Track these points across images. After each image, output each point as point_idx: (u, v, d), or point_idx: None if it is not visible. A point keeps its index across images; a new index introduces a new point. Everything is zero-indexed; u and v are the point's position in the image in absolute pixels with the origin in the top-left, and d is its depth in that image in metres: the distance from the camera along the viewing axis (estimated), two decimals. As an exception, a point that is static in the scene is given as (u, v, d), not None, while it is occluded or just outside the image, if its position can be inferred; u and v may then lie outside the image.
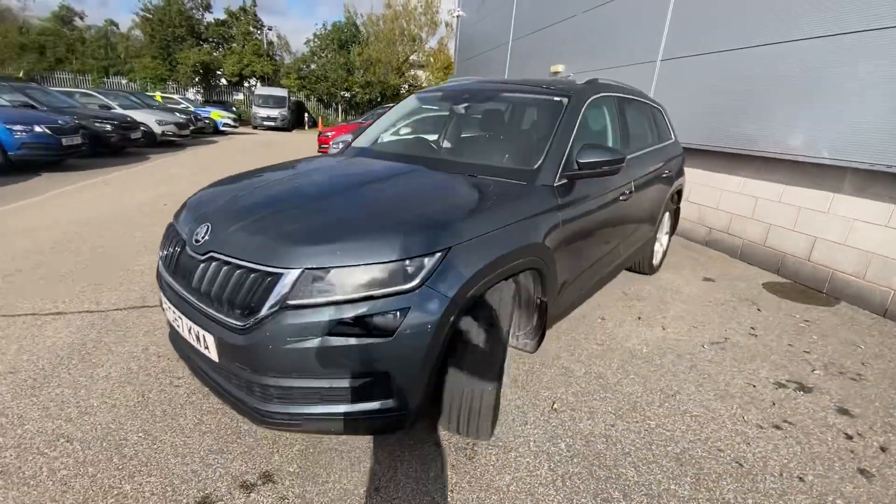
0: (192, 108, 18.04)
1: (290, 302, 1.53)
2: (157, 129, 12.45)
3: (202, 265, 1.72)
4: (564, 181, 2.34)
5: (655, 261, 4.33)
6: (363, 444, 2.02)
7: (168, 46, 26.56)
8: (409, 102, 3.35)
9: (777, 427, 2.30)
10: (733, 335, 3.27)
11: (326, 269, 1.54)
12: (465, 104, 3.11)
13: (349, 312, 1.52)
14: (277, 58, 30.05)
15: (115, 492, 1.72)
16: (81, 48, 26.55)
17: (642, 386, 2.59)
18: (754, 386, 2.66)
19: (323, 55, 28.40)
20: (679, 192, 4.48)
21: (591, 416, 2.30)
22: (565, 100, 2.66)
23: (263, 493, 1.75)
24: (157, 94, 18.92)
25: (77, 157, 8.95)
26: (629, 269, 4.25)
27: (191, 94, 28.21)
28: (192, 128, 14.91)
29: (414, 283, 1.57)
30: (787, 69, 4.38)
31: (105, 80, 26.64)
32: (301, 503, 1.72)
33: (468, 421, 1.82)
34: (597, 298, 3.72)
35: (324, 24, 29.83)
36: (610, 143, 3.07)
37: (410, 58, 30.53)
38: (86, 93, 12.64)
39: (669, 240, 4.61)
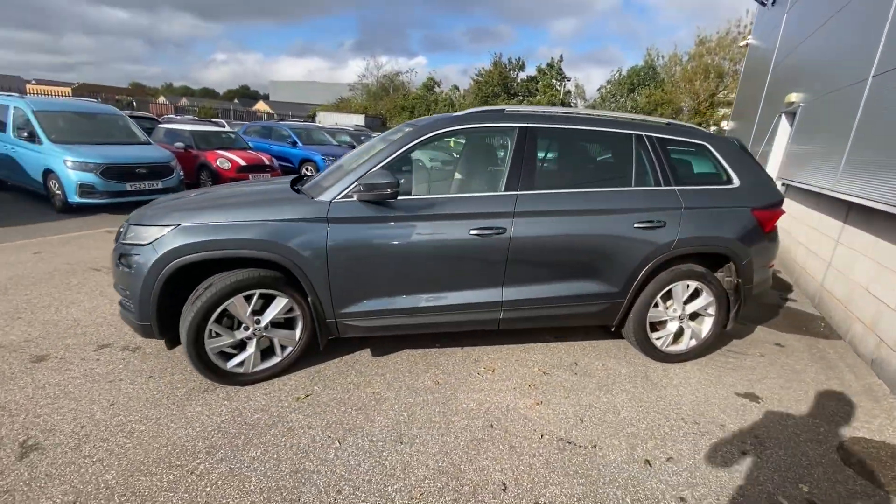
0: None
1: (120, 240, 2.72)
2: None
3: None
4: (350, 199, 2.60)
5: (663, 343, 3.21)
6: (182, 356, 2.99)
7: (486, 101, 33.13)
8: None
9: (437, 523, 1.82)
10: (608, 448, 2.31)
11: (128, 226, 2.66)
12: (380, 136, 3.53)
13: (124, 251, 2.58)
14: (573, 105, 32.38)
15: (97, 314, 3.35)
16: (434, 107, 36.64)
17: (391, 419, 2.43)
18: (505, 487, 2.01)
19: (612, 100, 28.79)
20: (734, 262, 3.12)
21: (309, 416, 2.46)
22: (409, 130, 2.80)
23: (126, 354, 3.00)
24: (452, 140, 24.15)
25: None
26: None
27: (497, 138, 34.05)
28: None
29: (148, 241, 2.48)
30: None
31: (443, 128, 35.67)
32: (126, 365, 2.87)
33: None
34: (530, 355, 3.25)
35: (618, 70, 29.97)
36: (505, 176, 2.82)
37: (718, 94, 26.88)
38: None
39: (714, 327, 3.23)
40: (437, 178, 3.17)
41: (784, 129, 7.23)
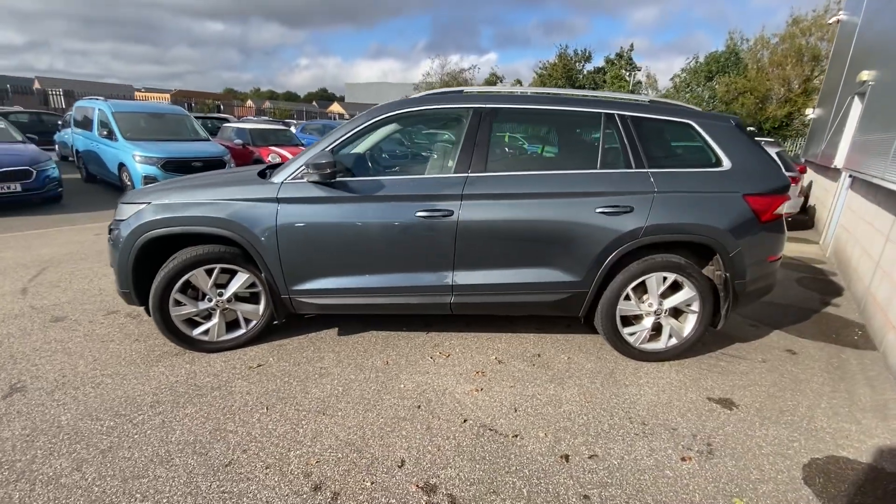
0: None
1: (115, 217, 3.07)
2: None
3: None
4: (300, 181, 2.71)
5: (637, 340, 2.97)
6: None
7: (549, 95, 32.17)
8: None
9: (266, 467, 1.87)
10: (529, 439, 2.20)
11: (119, 205, 2.98)
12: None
13: (112, 226, 2.90)
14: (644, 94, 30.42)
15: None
16: (496, 102, 36.27)
17: (325, 393, 2.51)
18: (403, 464, 2.00)
19: (686, 90, 26.56)
20: (719, 253, 2.80)
21: (252, 383, 2.62)
22: (364, 113, 2.84)
23: (127, 320, 3.38)
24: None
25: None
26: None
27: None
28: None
29: (126, 217, 2.78)
30: None
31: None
32: (121, 329, 3.24)
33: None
34: (495, 343, 3.17)
35: (695, 57, 27.37)
36: (455, 158, 2.77)
37: (813, 80, 23.79)
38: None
39: (698, 325, 2.93)
40: (403, 160, 3.19)
41: (855, 112, 6.27)
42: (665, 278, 2.86)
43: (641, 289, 2.91)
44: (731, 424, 2.40)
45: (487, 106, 2.81)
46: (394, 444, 2.16)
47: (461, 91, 2.92)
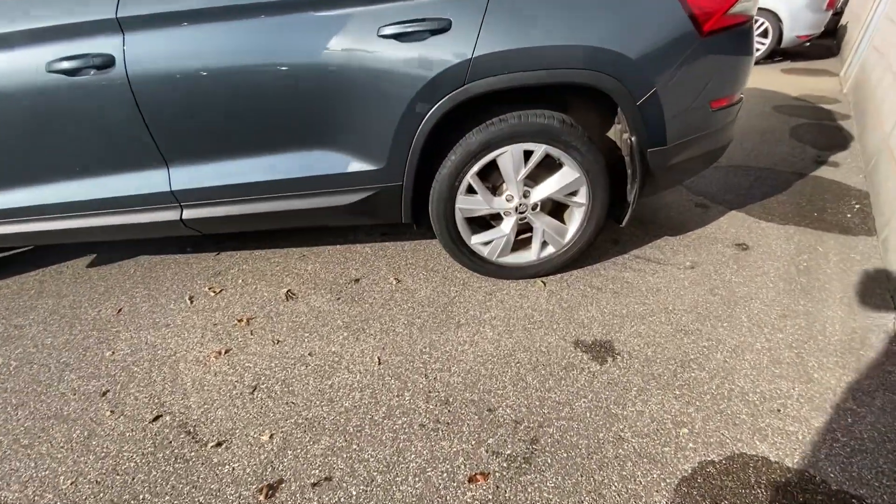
0: None
1: None
2: None
3: None
4: None
5: (496, 251, 1.93)
6: None
7: None
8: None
9: None
10: (236, 450, 1.34)
11: None
12: None
13: None
14: None
15: None
16: None
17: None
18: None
19: None
20: (616, 101, 1.57)
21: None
22: None
23: None
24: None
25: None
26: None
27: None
28: None
29: None
30: None
31: None
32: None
33: None
34: (305, 265, 2.19)
35: None
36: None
37: None
38: None
39: (585, 222, 1.84)
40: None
41: None
42: (529, 153, 1.69)
43: (495, 173, 1.78)
44: (590, 395, 1.48)
45: None
46: (12, 472, 1.32)
47: None
